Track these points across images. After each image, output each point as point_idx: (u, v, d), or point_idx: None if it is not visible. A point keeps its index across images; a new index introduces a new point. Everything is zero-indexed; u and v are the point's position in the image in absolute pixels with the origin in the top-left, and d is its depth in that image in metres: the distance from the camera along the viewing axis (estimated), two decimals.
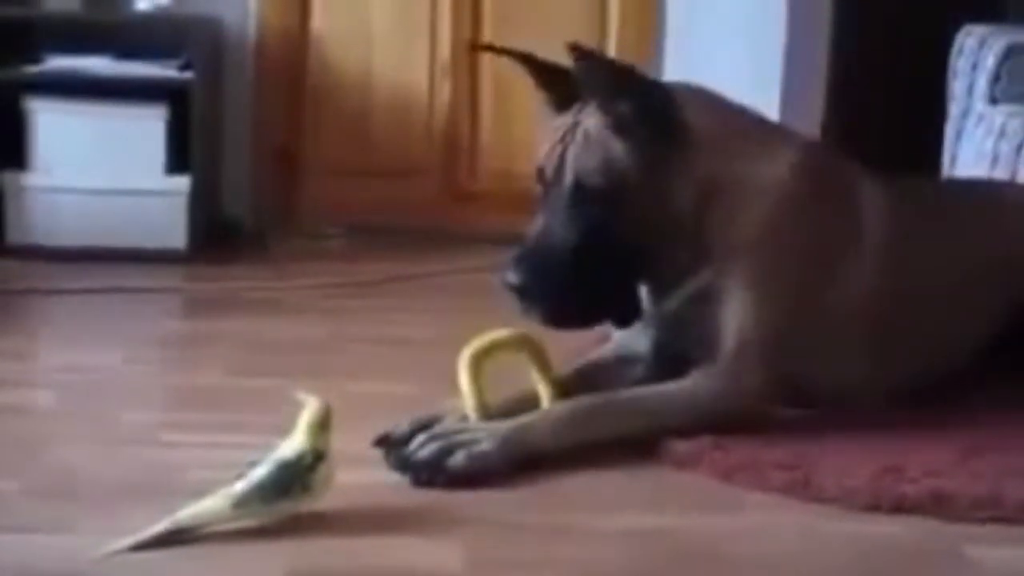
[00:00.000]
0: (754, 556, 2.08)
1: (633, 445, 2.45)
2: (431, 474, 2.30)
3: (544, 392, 2.52)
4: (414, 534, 2.09)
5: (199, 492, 2.06)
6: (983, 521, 2.20)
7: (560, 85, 2.59)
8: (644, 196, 2.52)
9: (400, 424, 2.43)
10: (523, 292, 2.50)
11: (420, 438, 2.36)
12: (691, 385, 2.55)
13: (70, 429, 2.56)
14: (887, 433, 2.54)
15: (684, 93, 2.61)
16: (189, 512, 2.00)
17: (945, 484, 2.28)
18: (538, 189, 2.59)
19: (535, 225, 2.55)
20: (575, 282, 2.51)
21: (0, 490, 2.19)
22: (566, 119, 2.57)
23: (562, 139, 2.55)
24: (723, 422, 2.50)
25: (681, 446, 2.44)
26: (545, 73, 2.62)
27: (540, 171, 2.58)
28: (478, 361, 2.46)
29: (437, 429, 2.39)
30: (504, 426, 2.40)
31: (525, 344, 2.53)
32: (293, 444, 2.09)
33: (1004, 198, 3.01)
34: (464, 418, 2.44)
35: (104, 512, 2.11)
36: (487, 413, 2.44)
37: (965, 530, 2.18)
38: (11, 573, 1.89)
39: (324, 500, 2.10)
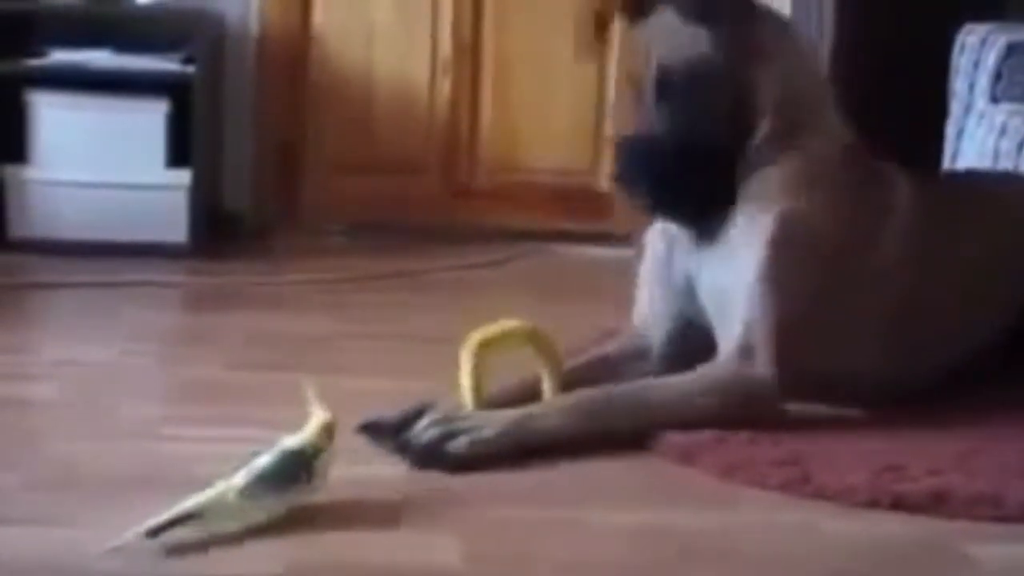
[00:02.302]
0: (753, 554, 2.08)
1: (633, 440, 2.45)
2: (432, 458, 2.31)
3: (548, 383, 2.52)
4: (413, 529, 2.09)
5: (199, 485, 2.06)
6: (984, 520, 2.20)
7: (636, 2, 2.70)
8: (726, 86, 2.59)
9: (391, 412, 2.44)
10: (624, 179, 2.64)
11: (423, 422, 2.37)
12: (702, 378, 2.54)
13: (70, 422, 2.57)
14: (887, 431, 2.54)
15: (771, 11, 2.70)
16: (195, 501, 1.99)
17: (946, 482, 2.28)
18: (632, 94, 2.69)
19: (634, 122, 2.67)
20: (673, 168, 2.60)
21: None
22: (649, 22, 2.65)
23: (646, 37, 2.64)
24: (735, 416, 2.49)
25: (681, 442, 2.43)
26: None
27: (629, 76, 2.70)
28: (482, 350, 2.46)
29: (439, 414, 2.40)
30: (508, 414, 2.41)
31: (533, 336, 2.53)
32: (296, 437, 2.09)
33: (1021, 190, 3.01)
34: (459, 407, 2.44)
35: (104, 505, 2.11)
36: (483, 402, 2.44)
37: (966, 528, 2.17)
38: (10, 566, 1.89)
39: (323, 494, 2.10)
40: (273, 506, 2.04)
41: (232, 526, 1.99)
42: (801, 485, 2.29)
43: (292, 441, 2.08)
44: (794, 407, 2.61)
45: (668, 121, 2.60)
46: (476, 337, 2.47)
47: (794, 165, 2.62)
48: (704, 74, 2.58)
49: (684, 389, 2.53)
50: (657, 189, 2.62)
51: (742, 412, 2.50)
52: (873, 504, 2.23)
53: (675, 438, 2.45)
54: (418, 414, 2.41)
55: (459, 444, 2.33)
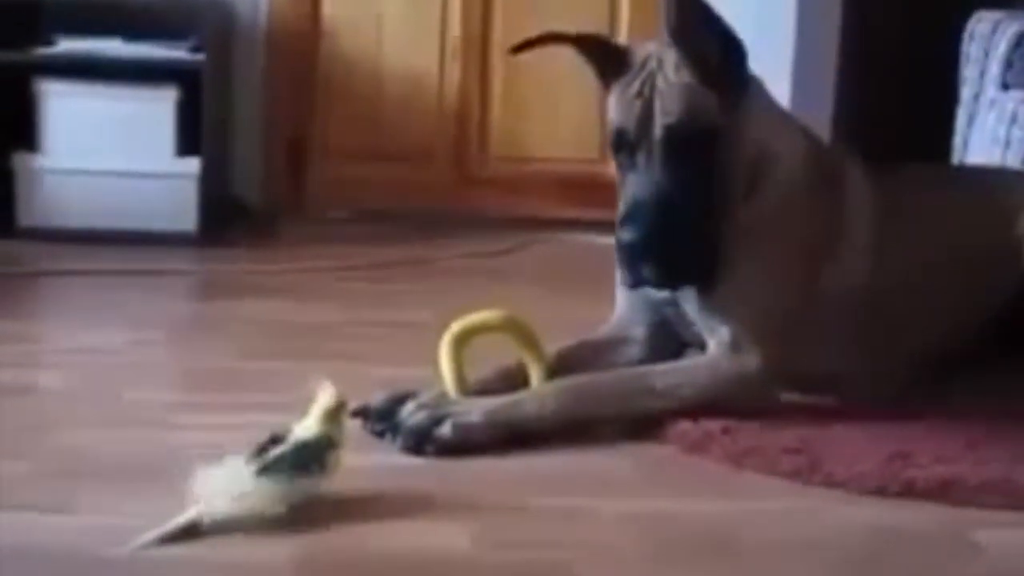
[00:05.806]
0: (763, 541, 2.07)
1: (642, 429, 2.45)
2: (419, 441, 2.33)
3: (534, 371, 2.53)
4: (420, 517, 2.09)
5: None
6: (992, 507, 2.20)
7: (609, 59, 2.57)
8: (724, 147, 2.50)
9: (377, 397, 2.46)
10: (642, 248, 2.47)
11: (410, 406, 2.39)
12: (692, 368, 2.55)
13: (79, 411, 2.56)
14: (895, 419, 2.54)
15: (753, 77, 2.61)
16: (212, 494, 1.98)
17: (954, 470, 2.28)
18: (617, 153, 2.54)
19: (632, 184, 2.50)
20: (688, 232, 2.48)
21: (7, 471, 2.19)
22: (635, 77, 2.52)
23: (639, 93, 2.51)
24: (721, 403, 2.50)
25: (690, 430, 2.43)
26: (594, 48, 2.59)
27: (620, 131, 2.52)
28: (460, 341, 2.48)
29: (426, 399, 2.42)
30: (495, 400, 2.42)
31: (511, 325, 2.54)
32: (307, 428, 2.09)
33: (997, 183, 2.99)
34: (443, 395, 2.46)
35: (111, 493, 2.11)
36: (465, 391, 2.46)
37: (974, 515, 2.17)
38: (17, 553, 1.89)
39: (332, 482, 2.10)
40: (285, 494, 2.02)
41: (237, 510, 1.99)
42: (810, 473, 2.29)
43: (305, 432, 2.08)
44: (799, 396, 2.61)
45: (679, 175, 2.46)
46: (456, 327, 2.50)
47: (765, 190, 2.58)
48: (711, 131, 2.48)
49: (674, 378, 2.52)
50: (674, 254, 2.49)
51: (730, 400, 2.51)
52: (882, 491, 2.23)
53: (685, 427, 2.45)
54: (401, 400, 2.43)
55: (446, 429, 2.35)
